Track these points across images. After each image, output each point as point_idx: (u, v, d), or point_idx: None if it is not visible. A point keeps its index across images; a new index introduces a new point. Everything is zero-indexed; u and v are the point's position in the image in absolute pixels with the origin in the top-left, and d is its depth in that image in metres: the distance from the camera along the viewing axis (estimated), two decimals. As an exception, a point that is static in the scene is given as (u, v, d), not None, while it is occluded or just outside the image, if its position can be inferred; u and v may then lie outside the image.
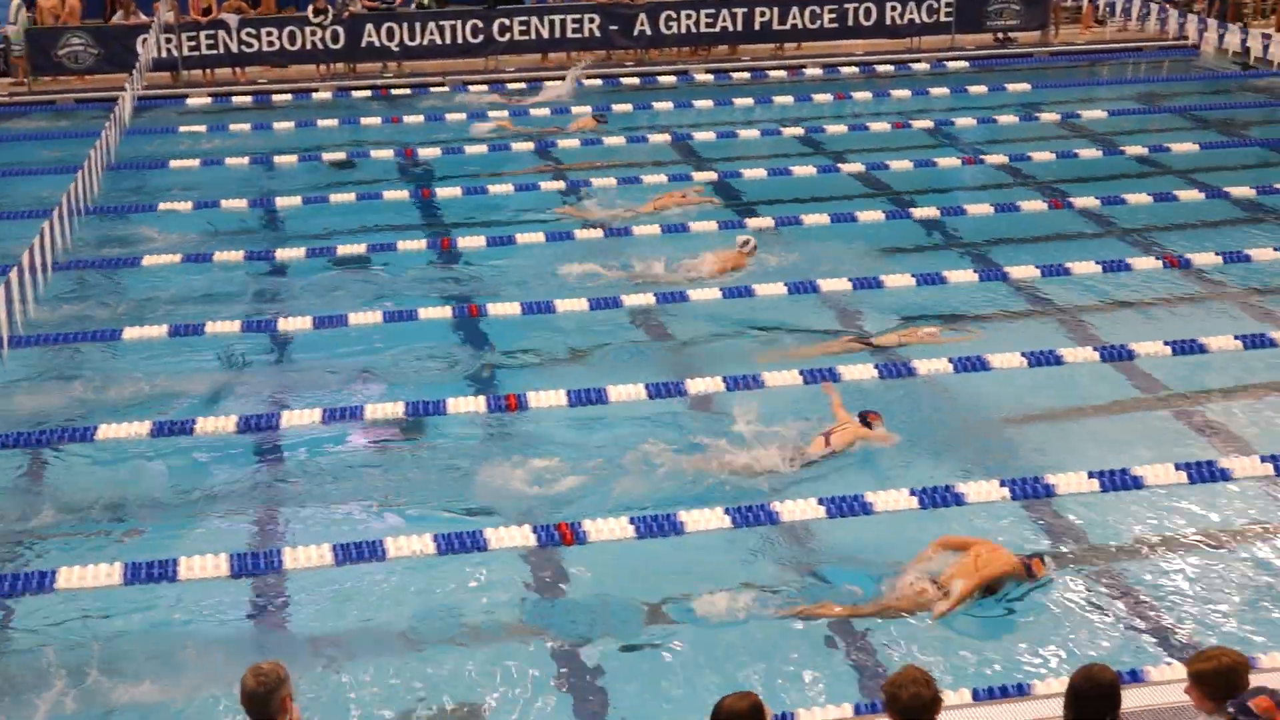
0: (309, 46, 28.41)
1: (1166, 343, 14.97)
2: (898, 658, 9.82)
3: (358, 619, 10.55)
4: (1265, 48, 28.71)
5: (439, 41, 28.96)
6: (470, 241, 18.65)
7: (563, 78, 27.93)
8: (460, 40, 29.06)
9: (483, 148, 23.33)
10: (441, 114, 25.73)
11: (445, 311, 16.19)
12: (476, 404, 13.81)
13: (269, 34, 28.26)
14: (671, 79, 28.70)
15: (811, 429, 12.95)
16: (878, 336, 15.40)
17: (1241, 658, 6.75)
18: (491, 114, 25.58)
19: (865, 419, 13.01)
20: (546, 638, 10.23)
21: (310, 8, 28.34)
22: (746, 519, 11.51)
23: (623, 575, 11.00)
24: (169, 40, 27.57)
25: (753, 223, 19.17)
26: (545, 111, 25.97)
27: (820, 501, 11.71)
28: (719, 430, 13.18)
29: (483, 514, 11.94)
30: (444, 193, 20.98)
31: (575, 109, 25.70)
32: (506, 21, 29.15)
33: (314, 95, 27.48)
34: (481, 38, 29.07)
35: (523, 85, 28.03)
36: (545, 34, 29.39)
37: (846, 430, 12.88)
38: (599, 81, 28.43)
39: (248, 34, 28.14)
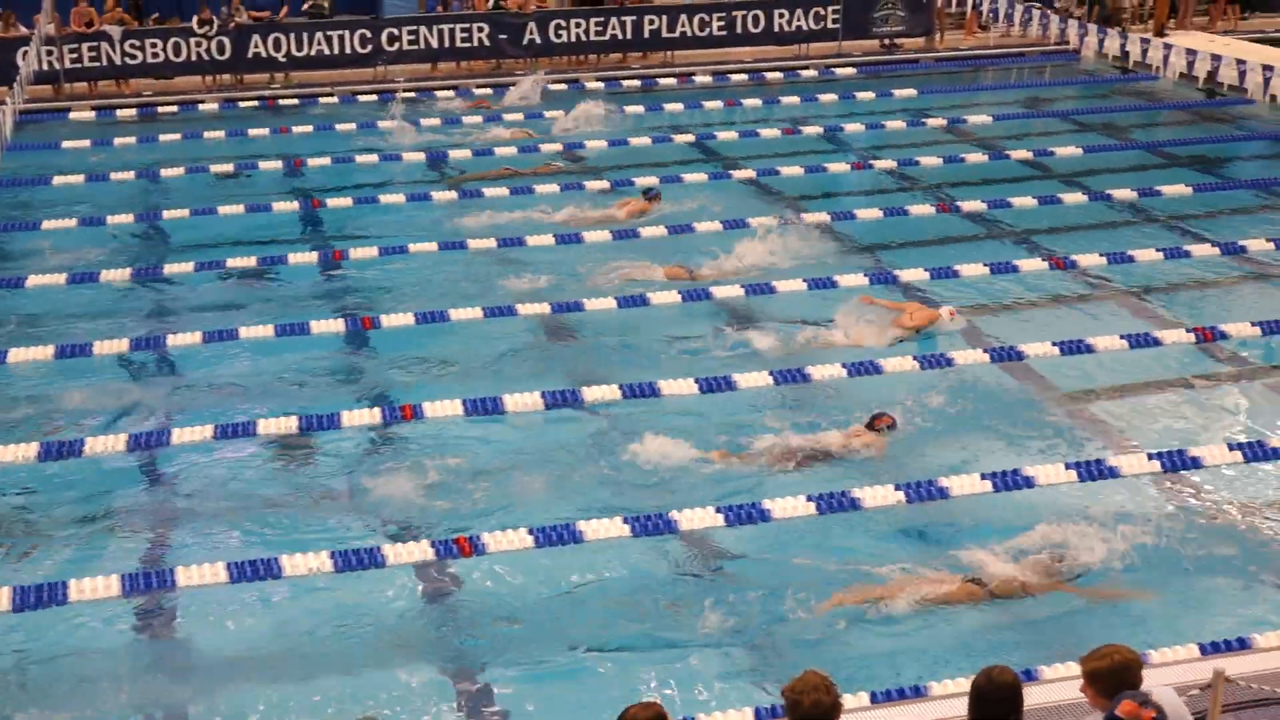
0: (194, 58, 28.04)
1: (1054, 343, 15.19)
2: (800, 662, 9.87)
3: (253, 639, 10.42)
4: (1143, 52, 29.29)
5: (326, 52, 28.71)
6: (362, 252, 18.49)
7: (515, 83, 28.03)
8: (348, 50, 28.83)
9: (373, 158, 23.16)
10: (330, 124, 25.51)
11: (338, 324, 16.04)
12: (371, 416, 13.70)
13: (153, 45, 27.83)
14: (563, 87, 28.67)
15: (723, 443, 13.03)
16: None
17: (1133, 655, 6.86)
18: (507, 117, 25.66)
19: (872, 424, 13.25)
20: (446, 654, 10.18)
21: (195, 19, 27.97)
22: (645, 528, 11.51)
23: (523, 586, 10.98)
24: (50, 53, 27.07)
25: (647, 231, 19.19)
26: (519, 116, 26.07)
27: (719, 510, 11.75)
28: (616, 437, 13.23)
29: (380, 528, 11.85)
30: (334, 203, 20.79)
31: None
32: (395, 31, 28.99)
33: (200, 107, 27.11)
34: (370, 48, 28.86)
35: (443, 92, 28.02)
36: (434, 43, 29.25)
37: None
38: (564, 86, 28.52)
39: (131, 46, 27.71)
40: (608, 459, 12.98)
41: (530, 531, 11.38)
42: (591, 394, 14.04)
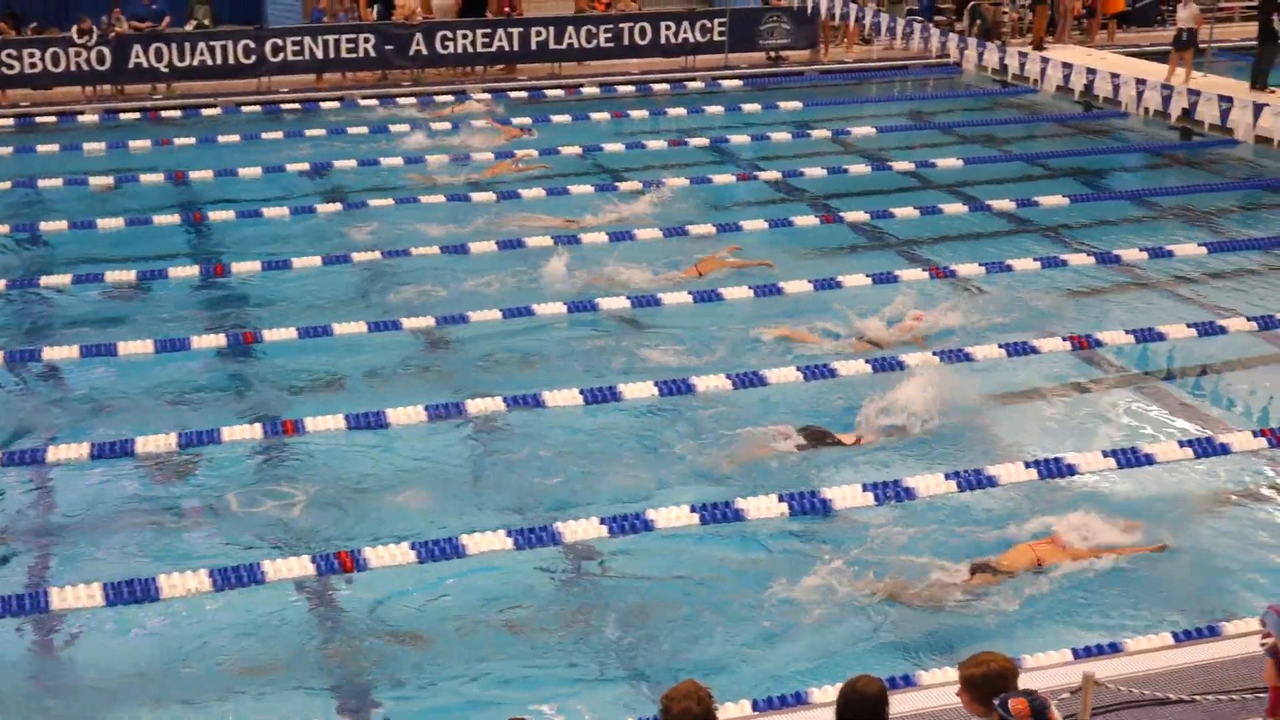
0: (74, 68, 27.59)
1: (934, 353, 15.39)
2: (676, 670, 9.92)
3: (129, 661, 10.25)
4: (1021, 65, 29.80)
5: (210, 62, 28.40)
6: (244, 266, 18.30)
7: (462, 92, 28.44)
8: (232, 61, 28.53)
9: (256, 170, 22.93)
10: (213, 136, 25.22)
11: (219, 339, 15.85)
12: (253, 431, 13.55)
13: (31, 55, 27.36)
14: (449, 98, 28.60)
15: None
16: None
17: (1009, 662, 6.97)
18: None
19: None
20: (328, 670, 10.10)
21: (74, 28, 27.52)
22: (529, 540, 11.51)
23: (406, 601, 10.93)
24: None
25: (532, 241, 19.20)
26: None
27: (603, 521, 11.77)
28: (502, 449, 13.23)
29: (261, 545, 11.73)
30: (216, 216, 20.57)
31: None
32: (279, 42, 28.74)
33: (80, 118, 26.70)
34: (254, 58, 28.59)
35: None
36: (319, 54, 29.04)
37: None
38: (450, 97, 28.47)
39: (8, 55, 27.23)
40: (492, 472, 12.97)
41: (413, 546, 11.32)
42: (476, 406, 14.01)
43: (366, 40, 29.29)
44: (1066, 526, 11.55)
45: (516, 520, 11.96)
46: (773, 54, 32.25)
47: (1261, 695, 8.12)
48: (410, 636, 10.49)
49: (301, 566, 11.11)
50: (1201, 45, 30.87)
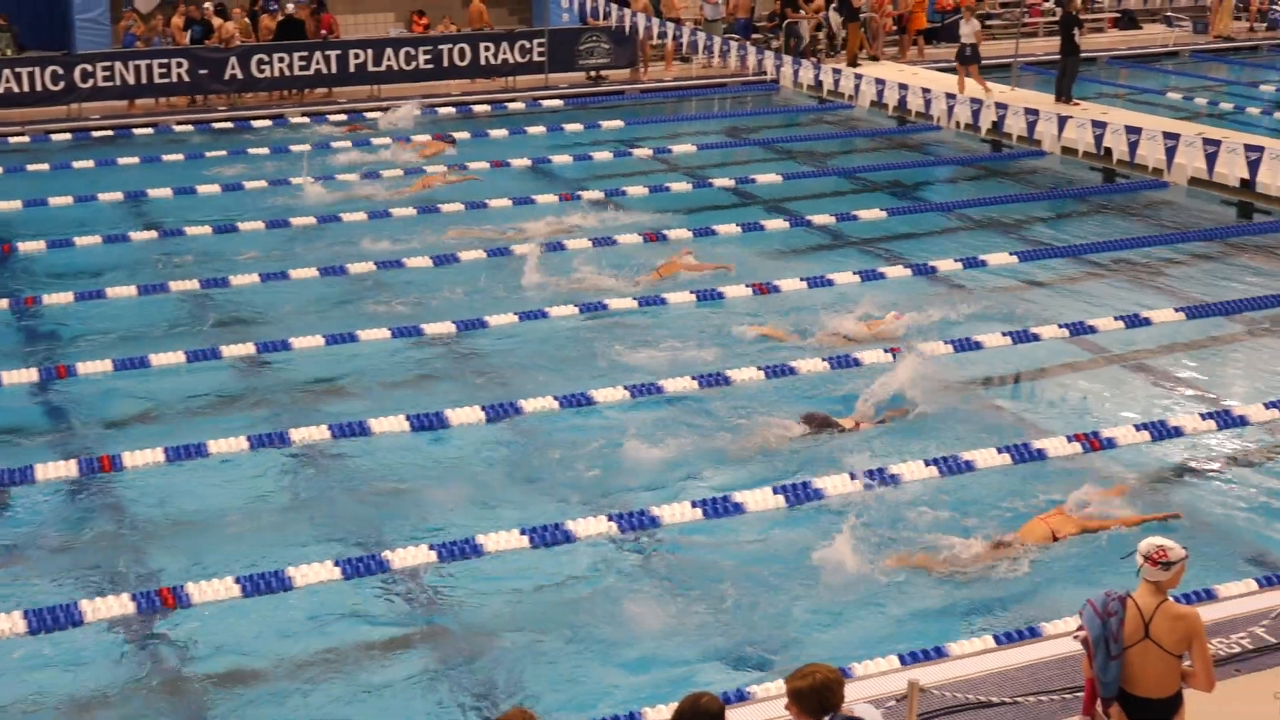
0: None
1: (760, 367, 15.56)
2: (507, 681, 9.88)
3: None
4: (836, 82, 30.32)
5: (16, 89, 27.64)
6: (56, 298, 17.81)
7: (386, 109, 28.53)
8: (40, 88, 27.80)
9: (68, 199, 22.35)
10: (21, 165, 24.53)
11: (31, 374, 15.39)
12: (68, 468, 13.17)
13: None
14: (267, 122, 28.22)
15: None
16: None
17: (835, 673, 7.04)
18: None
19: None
20: (152, 711, 9.86)
21: None
22: (357, 569, 11.36)
23: (231, 636, 10.71)
24: None
25: (354, 268, 19.01)
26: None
27: (432, 548, 11.67)
28: (328, 479, 13.08)
29: (78, 585, 11.40)
30: (26, 248, 19.99)
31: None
32: (89, 67, 28.09)
33: (-122, 148, 25.81)
34: (63, 85, 27.88)
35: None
36: (131, 80, 28.43)
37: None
38: (269, 122, 27.99)
39: None
40: (317, 502, 12.80)
41: (237, 580, 11.11)
42: (299, 435, 13.80)
43: (180, 65, 28.76)
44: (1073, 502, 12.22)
45: (343, 550, 11.79)
46: (593, 74, 32.39)
47: (1079, 694, 8.33)
48: (233, 672, 10.28)
49: (121, 605, 10.82)
50: (1007, 61, 31.81)
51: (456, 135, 26.88)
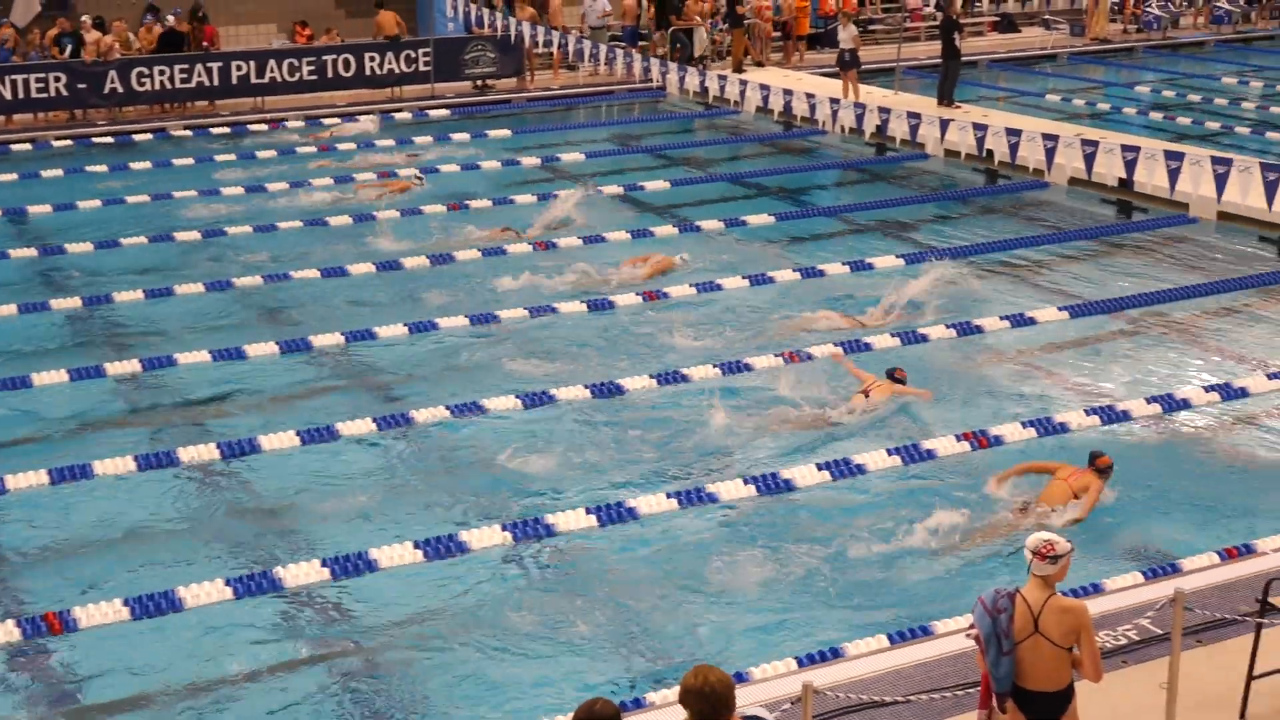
0: None
1: (652, 375, 15.60)
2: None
3: None
4: (721, 88, 30.49)
5: (-113, 106, 27.07)
6: (-66, 319, 17.47)
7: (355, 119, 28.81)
8: (-88, 104, 27.25)
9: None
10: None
11: (-91, 396, 15.09)
12: (-51, 494, 12.91)
13: None
14: (148, 136, 27.84)
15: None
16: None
17: (726, 677, 7.05)
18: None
19: (893, 375, 14.93)
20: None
21: None
22: (249, 588, 11.23)
23: (123, 661, 10.53)
24: None
25: (241, 282, 18.81)
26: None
27: (325, 564, 11.57)
28: (218, 497, 12.94)
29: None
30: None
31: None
32: (-37, 83, 27.54)
33: None
34: (-65, 100, 27.34)
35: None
36: (8, 95, 27.90)
37: (881, 387, 14.83)
38: (149, 136, 27.46)
39: None
40: (207, 520, 12.64)
41: (126, 602, 10.93)
42: (188, 454, 13.62)
43: (58, 79, 28.26)
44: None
45: (235, 569, 11.66)
46: (479, 83, 32.31)
47: (973, 691, 8.44)
48: (131, 699, 10.12)
49: (6, 632, 10.60)
50: (890, 65, 32.21)
51: (341, 147, 26.72)
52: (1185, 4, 41.44)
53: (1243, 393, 15.10)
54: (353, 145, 27.37)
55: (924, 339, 16.81)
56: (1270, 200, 20.65)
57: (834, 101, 27.81)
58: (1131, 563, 11.68)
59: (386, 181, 24.15)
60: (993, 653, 7.66)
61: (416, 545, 11.86)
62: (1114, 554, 11.90)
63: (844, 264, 19.72)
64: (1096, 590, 10.86)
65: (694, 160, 26.90)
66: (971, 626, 7.84)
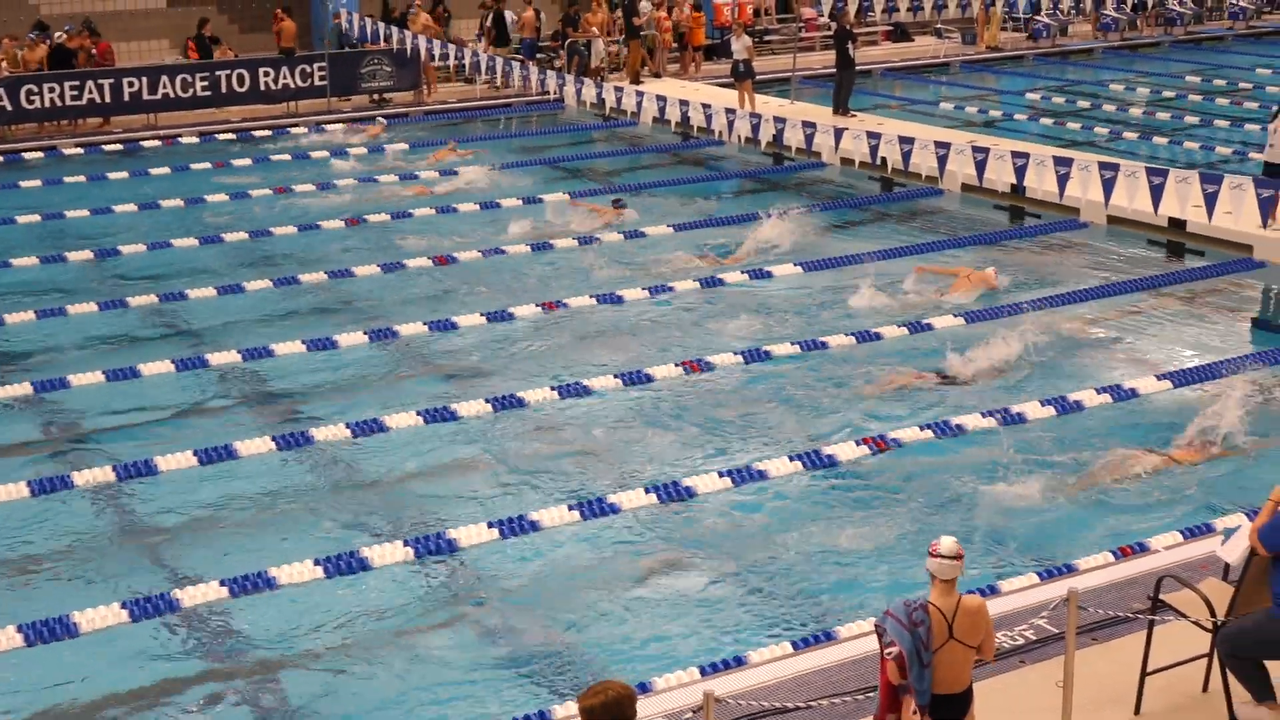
0: None
1: (554, 387, 15.61)
2: None
3: None
4: (618, 100, 30.56)
5: None
6: None
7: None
8: None
9: None
10: None
11: None
12: None
13: None
14: (39, 155, 27.42)
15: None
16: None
17: (626, 689, 7.08)
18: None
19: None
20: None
21: None
22: (146, 610, 11.09)
23: (18, 688, 10.36)
24: None
25: (135, 301, 18.59)
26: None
27: (223, 583, 11.45)
28: (113, 518, 12.77)
29: None
30: None
31: None
32: None
33: None
34: None
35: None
36: (-109, 113, 27.41)
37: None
38: (41, 154, 26.98)
39: None
40: (102, 543, 12.46)
41: (19, 629, 10.75)
42: (83, 477, 13.43)
43: (-60, 97, 27.79)
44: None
45: (130, 591, 11.50)
46: (376, 96, 32.15)
47: (873, 695, 8.52)
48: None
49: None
50: (786, 75, 32.47)
51: (236, 163, 26.48)
52: (1074, 12, 42.12)
53: (1133, 394, 15.37)
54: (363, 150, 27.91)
55: (824, 345, 16.93)
56: (1156, 204, 21.05)
57: (730, 112, 27.97)
58: (1028, 564, 11.84)
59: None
60: (915, 668, 7.65)
61: (316, 562, 11.78)
62: (1010, 555, 12.07)
63: (743, 272, 19.83)
64: (993, 592, 11.01)
65: (593, 171, 26.94)
66: (891, 645, 7.73)
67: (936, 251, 21.11)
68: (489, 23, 34.82)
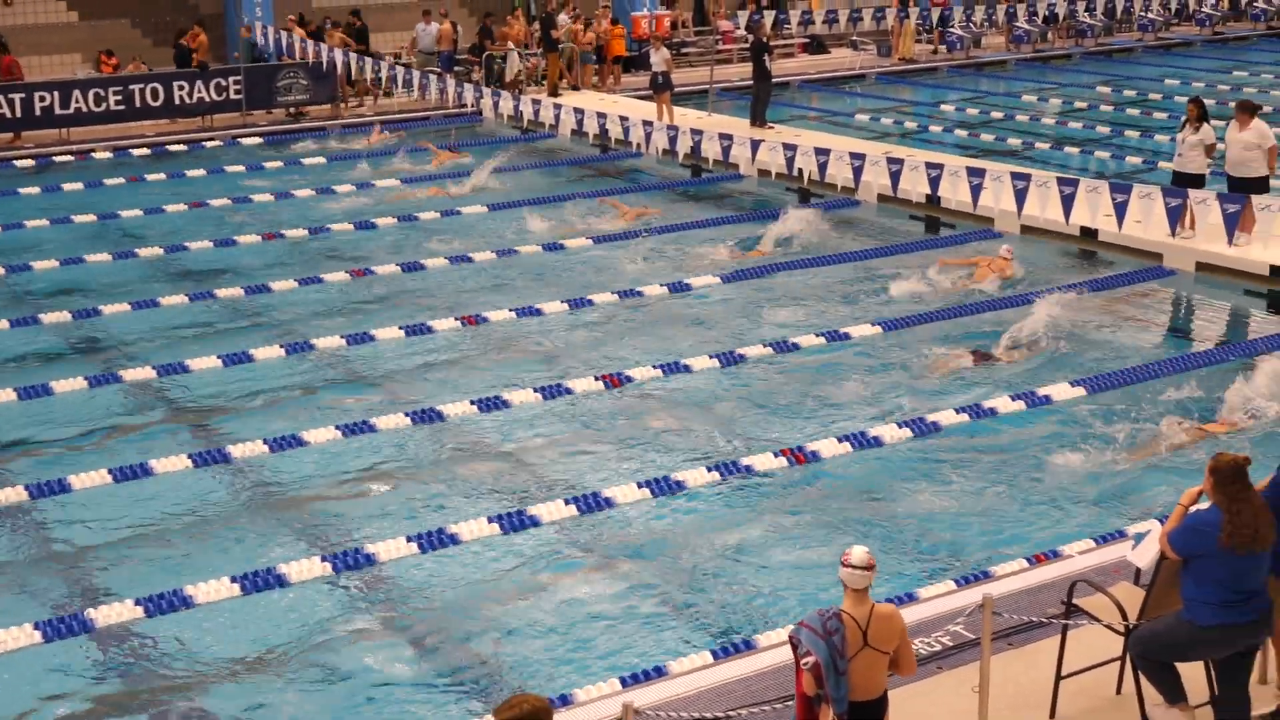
0: None
1: (472, 401, 15.58)
2: None
3: None
4: (536, 112, 30.56)
5: None
6: None
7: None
8: None
9: None
10: None
11: None
12: None
13: None
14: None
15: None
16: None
17: (543, 702, 7.07)
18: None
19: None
20: None
21: None
22: (59, 630, 10.95)
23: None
24: None
25: (48, 318, 18.37)
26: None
27: (138, 602, 11.33)
28: (25, 540, 12.61)
29: None
30: None
31: None
32: None
33: None
34: None
35: None
36: None
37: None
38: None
39: None
40: (13, 564, 12.29)
41: (-63, 650, 10.60)
42: (3, 496, 13.26)
43: None
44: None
45: (42, 612, 11.36)
46: (292, 110, 31.96)
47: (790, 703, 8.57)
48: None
49: None
50: (703, 87, 32.61)
51: (150, 177, 26.21)
52: (987, 24, 42.61)
53: (1046, 400, 15.55)
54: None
55: (742, 358, 17.01)
56: (1067, 213, 21.33)
57: (647, 124, 28.04)
58: (944, 570, 11.96)
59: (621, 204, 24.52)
60: (832, 678, 7.69)
61: (233, 580, 11.68)
62: (927, 563, 12.17)
63: (662, 285, 19.87)
64: (911, 599, 11.10)
65: (512, 185, 26.86)
66: (808, 655, 7.75)
67: (853, 262, 21.25)
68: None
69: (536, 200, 25.14)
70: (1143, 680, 8.97)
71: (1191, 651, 8.69)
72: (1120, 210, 20.80)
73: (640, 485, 13.50)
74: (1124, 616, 8.92)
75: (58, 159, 28.08)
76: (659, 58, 30.35)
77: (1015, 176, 22.11)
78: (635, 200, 24.77)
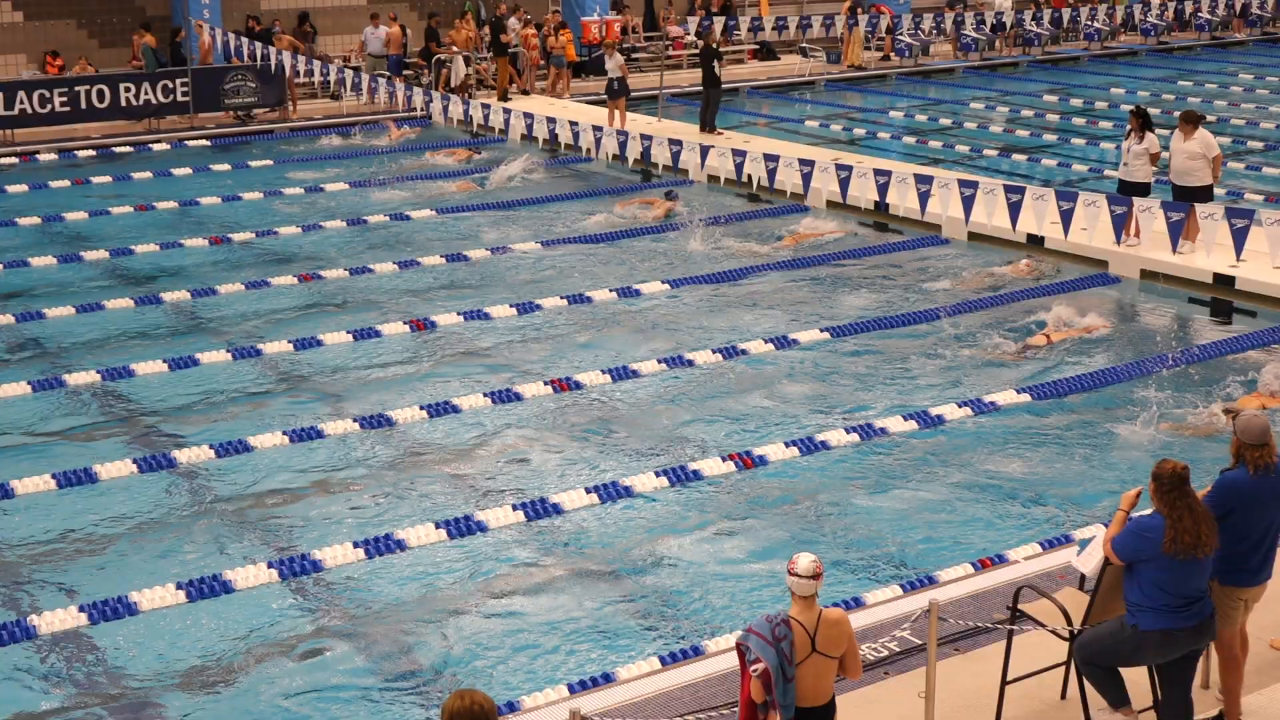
0: None
1: (422, 406, 15.53)
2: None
3: None
4: (486, 116, 30.51)
5: None
6: None
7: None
8: None
9: None
10: None
11: None
12: None
13: None
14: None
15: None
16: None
17: (488, 701, 7.04)
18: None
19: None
20: None
21: None
22: (0, 638, 10.86)
23: None
24: None
25: (5, 340, 18.23)
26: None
27: (82, 609, 11.23)
28: None
29: None
30: None
31: None
32: None
33: None
34: None
35: None
36: None
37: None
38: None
39: None
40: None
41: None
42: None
43: None
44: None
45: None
46: (240, 113, 31.78)
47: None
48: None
49: None
50: (653, 93, 32.64)
51: (96, 180, 26.00)
52: (935, 32, 42.85)
53: (992, 406, 15.66)
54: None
55: (690, 363, 17.04)
56: (1014, 220, 21.47)
57: (597, 129, 28.03)
58: (891, 576, 12.02)
59: (650, 200, 25.15)
60: (780, 683, 7.70)
61: (179, 586, 11.60)
62: (874, 569, 12.23)
63: (611, 290, 19.88)
64: (858, 604, 11.15)
65: (460, 188, 26.81)
66: (757, 661, 7.74)
67: (803, 268, 21.31)
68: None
69: (492, 206, 25.11)
70: (1087, 685, 9.05)
71: (1135, 656, 8.77)
72: (1066, 218, 20.97)
73: (588, 490, 13.51)
74: (1069, 622, 9.00)
75: (2, 160, 27.80)
76: (614, 64, 30.34)
77: (963, 184, 22.24)
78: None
